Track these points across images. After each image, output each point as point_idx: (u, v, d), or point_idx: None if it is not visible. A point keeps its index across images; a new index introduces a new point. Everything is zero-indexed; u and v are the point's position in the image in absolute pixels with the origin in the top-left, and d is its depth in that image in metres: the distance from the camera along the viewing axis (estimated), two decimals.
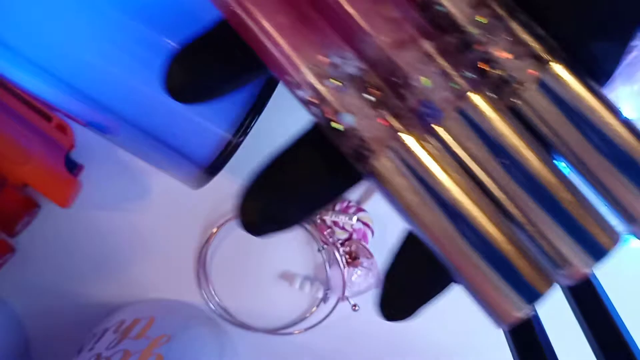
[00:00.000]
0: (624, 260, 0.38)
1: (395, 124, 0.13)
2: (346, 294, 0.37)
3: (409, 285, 0.15)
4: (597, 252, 0.13)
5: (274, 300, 0.38)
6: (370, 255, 0.37)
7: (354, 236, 0.37)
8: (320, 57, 0.13)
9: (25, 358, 0.36)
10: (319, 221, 0.36)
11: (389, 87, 0.13)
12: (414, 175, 0.13)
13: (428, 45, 0.13)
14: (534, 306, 0.13)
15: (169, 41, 0.27)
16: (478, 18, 0.13)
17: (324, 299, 0.37)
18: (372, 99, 0.13)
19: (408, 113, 0.13)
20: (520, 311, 0.13)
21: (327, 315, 0.38)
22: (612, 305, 0.21)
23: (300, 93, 0.14)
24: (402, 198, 0.13)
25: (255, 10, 0.13)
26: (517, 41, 0.13)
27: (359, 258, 0.37)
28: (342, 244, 0.37)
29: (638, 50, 0.33)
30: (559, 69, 0.13)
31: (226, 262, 0.38)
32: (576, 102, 0.13)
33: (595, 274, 0.23)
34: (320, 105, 0.13)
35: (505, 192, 0.13)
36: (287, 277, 0.38)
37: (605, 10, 0.13)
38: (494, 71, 0.13)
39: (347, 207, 0.37)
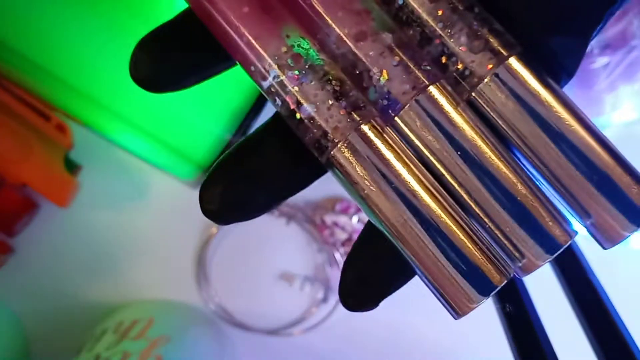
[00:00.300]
0: (624, 260, 0.38)
1: (355, 115, 0.13)
2: None
3: (370, 276, 0.15)
4: (551, 245, 0.13)
5: (274, 301, 0.38)
6: None
7: (354, 236, 0.37)
8: (283, 49, 0.14)
9: (25, 358, 0.36)
10: (319, 221, 0.36)
11: (350, 79, 0.14)
12: (372, 166, 0.13)
13: (388, 38, 0.13)
14: (488, 297, 0.13)
15: None
16: (438, 12, 0.13)
17: (324, 299, 0.37)
18: (333, 90, 0.13)
19: (368, 105, 0.14)
20: (474, 303, 0.13)
21: (327, 316, 0.38)
22: (612, 305, 0.21)
23: (263, 84, 0.14)
24: (360, 188, 0.13)
25: (220, 1, 0.14)
26: (476, 36, 0.13)
27: None
28: (342, 244, 0.37)
29: (638, 50, 0.32)
30: (515, 64, 0.13)
31: (226, 262, 0.37)
32: (531, 97, 0.13)
33: (597, 276, 0.23)
34: (282, 95, 0.14)
35: (462, 185, 0.13)
36: (287, 277, 0.38)
37: (564, 6, 0.13)
38: (452, 65, 0.13)
39: (347, 207, 0.37)
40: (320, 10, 0.13)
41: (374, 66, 0.13)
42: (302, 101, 0.14)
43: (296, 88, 0.14)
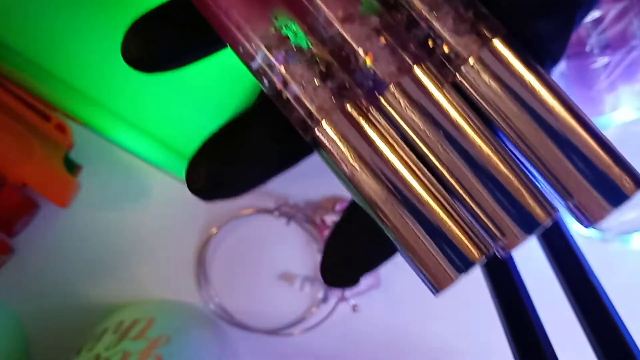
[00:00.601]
0: (623, 260, 0.38)
1: (341, 95, 0.14)
2: (346, 294, 0.37)
3: (350, 254, 0.15)
4: (531, 224, 0.13)
5: (273, 301, 0.38)
6: None
7: None
8: (272, 30, 0.14)
9: (25, 358, 0.36)
10: (319, 221, 0.36)
11: (337, 61, 0.14)
12: (355, 144, 0.14)
13: (375, 21, 0.14)
14: (466, 273, 0.14)
15: None
16: None
17: (324, 299, 0.37)
18: (320, 71, 0.14)
19: (354, 86, 0.14)
20: (452, 279, 0.14)
21: (327, 316, 0.38)
22: (612, 305, 0.21)
23: (252, 64, 0.14)
24: (343, 166, 0.14)
25: None
26: (462, 19, 0.13)
27: None
28: None
29: (638, 50, 0.33)
30: (500, 46, 0.13)
31: (226, 262, 0.37)
32: (515, 79, 0.13)
33: (597, 276, 0.23)
34: (270, 75, 0.14)
35: (444, 164, 0.14)
36: (287, 277, 0.38)
37: None
38: (438, 48, 0.13)
39: None
40: None
41: (360, 48, 0.14)
42: (289, 81, 0.14)
43: (283, 68, 0.14)
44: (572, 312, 0.22)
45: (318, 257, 0.37)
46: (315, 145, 0.14)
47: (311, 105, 0.14)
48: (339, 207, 0.36)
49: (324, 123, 0.14)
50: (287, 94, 0.14)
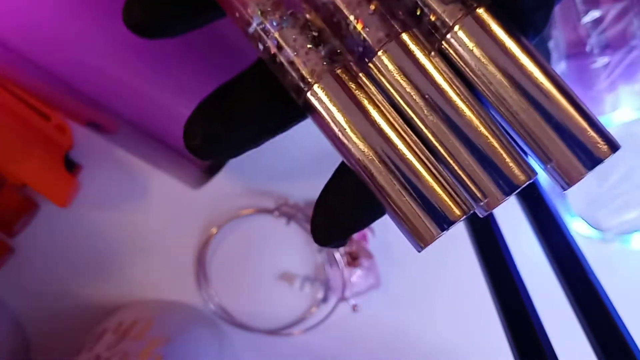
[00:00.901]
0: (624, 260, 0.38)
1: (332, 60, 0.15)
2: (346, 294, 0.37)
3: (339, 213, 0.16)
4: (510, 185, 0.14)
5: (273, 301, 0.38)
6: (370, 256, 0.37)
7: (354, 236, 0.37)
8: None
9: (25, 358, 0.36)
10: None
11: (329, 26, 0.15)
12: (344, 107, 0.14)
13: None
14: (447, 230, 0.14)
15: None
16: None
17: (324, 299, 0.37)
18: (312, 37, 0.15)
19: (345, 52, 0.15)
20: (434, 235, 0.14)
21: (327, 316, 0.38)
22: (612, 305, 0.21)
23: (248, 29, 0.15)
24: (332, 129, 0.15)
25: None
26: None
27: (359, 258, 0.37)
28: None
29: (638, 50, 0.33)
30: (484, 14, 0.14)
31: (226, 262, 0.37)
32: (497, 46, 0.14)
33: (597, 276, 0.23)
34: (265, 40, 0.15)
35: (428, 127, 0.14)
36: (287, 277, 0.38)
37: None
38: (426, 17, 0.14)
39: None
40: None
41: (351, 15, 0.14)
42: (283, 44, 0.15)
43: (277, 33, 0.15)
44: (572, 312, 0.22)
45: (318, 257, 0.38)
46: (307, 108, 0.15)
47: (304, 69, 0.15)
48: None
49: (315, 87, 0.14)
50: (281, 58, 0.15)
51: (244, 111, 0.16)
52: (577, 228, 0.37)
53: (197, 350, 0.33)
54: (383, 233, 0.37)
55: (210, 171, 0.30)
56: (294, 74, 0.15)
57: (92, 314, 0.37)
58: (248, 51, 0.27)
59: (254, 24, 0.15)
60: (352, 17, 0.14)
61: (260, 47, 0.15)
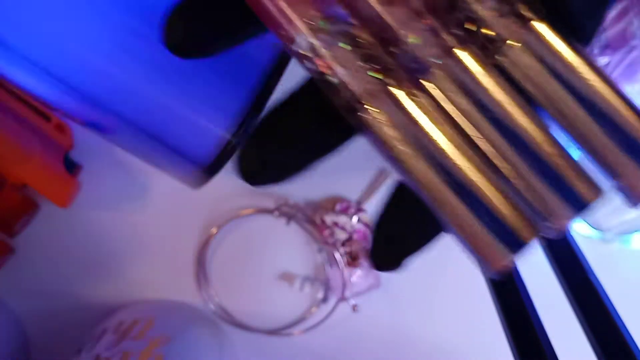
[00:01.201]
0: (623, 260, 0.38)
1: (385, 78, 0.14)
2: (346, 294, 0.37)
3: (397, 235, 0.16)
4: (578, 204, 0.13)
5: (273, 301, 0.38)
6: None
7: (354, 236, 0.37)
8: (314, 12, 0.14)
9: (25, 358, 0.36)
10: (319, 221, 0.36)
11: (380, 43, 0.14)
12: (402, 126, 0.14)
13: (417, 3, 0.14)
14: (520, 254, 0.14)
15: None
16: None
17: (324, 299, 0.37)
18: (363, 53, 0.14)
19: (397, 68, 0.14)
20: (506, 259, 0.14)
21: (327, 316, 0.38)
22: (612, 305, 0.21)
23: (294, 47, 0.14)
24: (391, 149, 0.14)
25: None
26: (502, 0, 0.13)
27: (359, 258, 0.37)
28: (342, 244, 0.37)
29: (638, 50, 0.33)
30: (541, 27, 0.13)
31: (226, 262, 0.37)
32: (557, 59, 0.13)
33: (597, 276, 0.23)
34: (313, 59, 0.14)
35: (492, 146, 0.14)
36: (287, 277, 0.38)
37: None
38: (480, 30, 0.14)
39: (347, 207, 0.37)
40: None
41: (402, 30, 0.14)
42: (332, 64, 0.14)
43: (327, 51, 0.14)
44: (572, 312, 0.22)
45: (318, 257, 0.38)
46: (361, 127, 0.14)
47: (355, 87, 0.14)
48: (339, 207, 0.36)
49: (369, 105, 0.14)
50: (331, 77, 0.14)
51: (300, 134, 0.15)
52: (577, 228, 0.37)
53: (198, 350, 0.33)
54: None
55: (210, 171, 0.30)
56: (345, 92, 0.14)
57: (92, 314, 0.37)
58: (251, 52, 0.27)
59: (301, 42, 0.14)
60: (403, 33, 0.14)
61: (309, 65, 0.14)
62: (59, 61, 0.27)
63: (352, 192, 0.37)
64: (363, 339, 0.38)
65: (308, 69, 0.14)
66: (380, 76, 0.14)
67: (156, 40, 0.27)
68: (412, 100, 0.14)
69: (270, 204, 0.37)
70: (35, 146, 0.31)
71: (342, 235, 0.37)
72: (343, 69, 0.14)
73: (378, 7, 0.14)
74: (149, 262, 0.37)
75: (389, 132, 0.14)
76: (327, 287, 0.37)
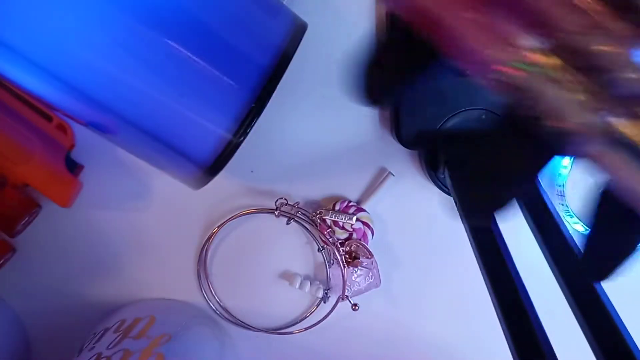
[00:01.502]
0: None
1: (603, 110, 0.12)
2: (346, 293, 0.37)
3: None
4: None
5: (274, 300, 0.38)
6: (370, 255, 0.37)
7: (354, 236, 0.37)
8: (518, 43, 0.13)
9: (25, 358, 0.36)
10: (319, 221, 0.36)
11: (589, 74, 0.13)
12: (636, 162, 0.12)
13: (619, 28, 0.12)
14: None
15: (169, 41, 0.27)
16: None
17: (324, 298, 0.37)
18: (575, 86, 0.13)
19: (614, 99, 0.13)
20: None
21: (327, 315, 0.38)
22: (612, 305, 0.21)
23: (492, 76, 0.13)
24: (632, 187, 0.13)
25: (447, 9, 0.13)
26: None
27: (359, 258, 0.37)
28: (342, 244, 0.37)
29: None
30: None
31: (226, 262, 0.38)
32: None
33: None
34: (523, 93, 0.13)
35: None
36: (287, 277, 0.38)
37: None
38: None
39: (347, 207, 0.37)
40: (552, 10, 0.13)
41: (614, 60, 0.12)
42: (544, 95, 0.13)
43: (534, 84, 0.13)
44: (571, 312, 0.22)
45: (318, 257, 0.38)
46: (584, 157, 0.13)
47: (575, 122, 0.13)
48: (339, 207, 0.37)
49: (593, 139, 0.12)
50: (542, 112, 0.13)
51: (512, 170, 0.16)
52: (577, 228, 0.37)
53: (198, 349, 0.34)
54: (383, 233, 0.37)
55: (211, 171, 0.30)
56: (561, 127, 0.13)
57: (93, 313, 0.37)
58: (252, 53, 0.27)
59: (503, 77, 0.13)
60: (616, 62, 0.12)
61: (514, 99, 0.13)
62: (60, 61, 0.27)
63: (352, 192, 0.37)
64: (363, 339, 0.39)
65: (512, 102, 0.13)
66: (597, 108, 0.12)
67: (158, 42, 0.27)
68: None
69: (270, 204, 0.37)
70: (36, 146, 0.31)
71: (342, 235, 0.37)
72: (554, 100, 0.13)
73: (584, 38, 0.12)
74: (150, 261, 0.37)
75: (625, 169, 0.13)
76: (327, 287, 0.37)
